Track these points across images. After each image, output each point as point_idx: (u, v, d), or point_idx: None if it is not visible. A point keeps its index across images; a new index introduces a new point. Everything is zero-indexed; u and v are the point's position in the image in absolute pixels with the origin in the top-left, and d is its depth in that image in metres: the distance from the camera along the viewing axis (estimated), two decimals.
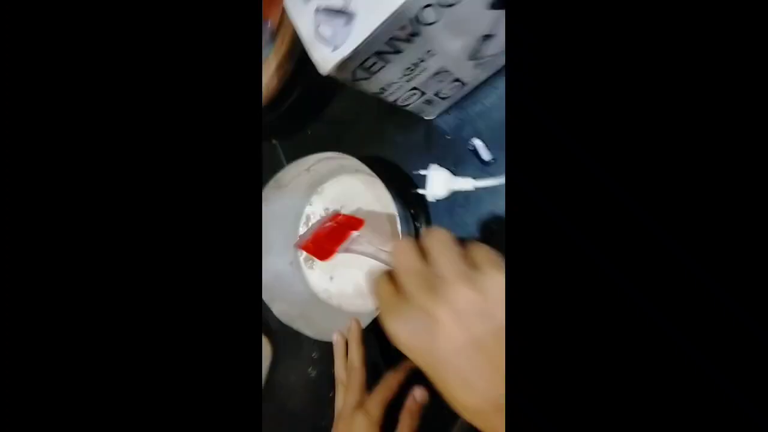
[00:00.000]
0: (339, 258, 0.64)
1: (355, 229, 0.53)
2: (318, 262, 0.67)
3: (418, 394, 0.47)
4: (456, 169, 0.56)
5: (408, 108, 0.54)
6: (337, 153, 0.58)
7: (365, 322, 0.54)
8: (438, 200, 0.57)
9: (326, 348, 0.58)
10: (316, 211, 0.67)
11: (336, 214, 0.59)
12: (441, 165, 0.58)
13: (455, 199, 0.57)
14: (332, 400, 0.64)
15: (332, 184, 0.66)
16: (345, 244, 0.52)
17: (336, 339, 0.54)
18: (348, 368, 0.50)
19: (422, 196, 0.58)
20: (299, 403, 0.65)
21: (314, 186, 0.67)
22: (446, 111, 0.58)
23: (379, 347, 0.61)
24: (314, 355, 0.67)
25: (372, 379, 0.50)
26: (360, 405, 0.46)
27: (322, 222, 0.58)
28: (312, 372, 0.66)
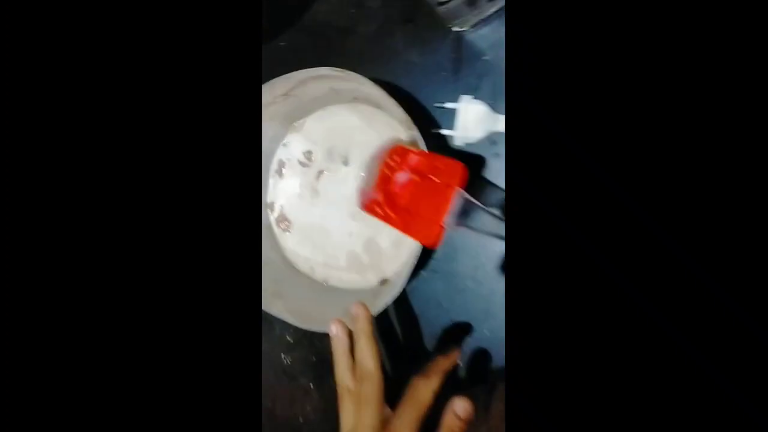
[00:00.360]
0: (321, 214, 0.49)
1: (457, 180, 0.34)
2: (295, 222, 0.51)
3: (461, 407, 0.34)
4: (496, 104, 0.41)
5: (441, 9, 0.37)
6: (331, 69, 0.41)
7: (371, 307, 0.40)
8: (469, 143, 0.43)
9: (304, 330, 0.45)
10: (292, 155, 0.50)
11: (397, 148, 0.38)
12: (476, 96, 0.42)
13: (492, 143, 0.42)
14: (312, 391, 0.52)
15: (317, 118, 0.49)
16: (452, 213, 0.33)
17: (335, 331, 0.39)
18: (359, 373, 0.36)
19: (445, 139, 0.43)
20: (271, 397, 0.54)
21: (291, 119, 0.49)
22: (485, 21, 0.42)
23: (383, 341, 0.47)
24: (288, 337, 0.53)
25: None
26: (384, 425, 0.34)
27: (379, 161, 0.37)
28: (286, 358, 0.54)
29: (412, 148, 0.37)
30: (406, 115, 0.38)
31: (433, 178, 0.35)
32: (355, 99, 0.45)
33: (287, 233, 0.51)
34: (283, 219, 0.51)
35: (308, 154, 0.49)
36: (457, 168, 0.35)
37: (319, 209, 0.49)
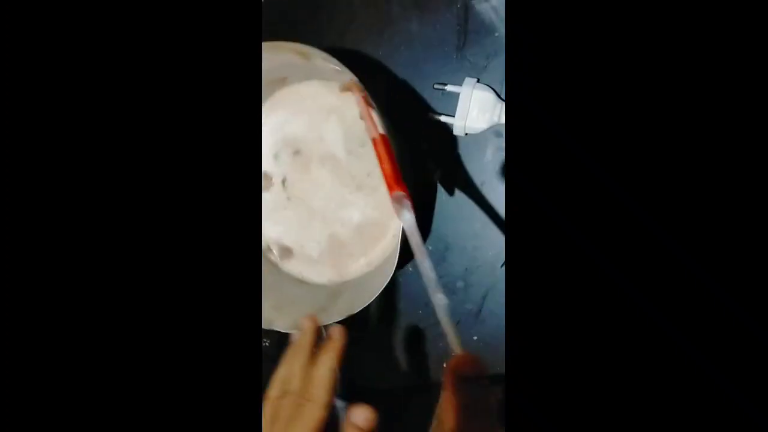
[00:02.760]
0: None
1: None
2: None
3: (360, 416, 0.30)
4: (504, 90, 0.36)
5: None
6: (292, 44, 0.33)
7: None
8: (469, 134, 0.38)
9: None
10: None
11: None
12: (482, 80, 0.37)
13: (498, 135, 0.37)
14: None
15: (281, 98, 0.42)
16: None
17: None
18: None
19: (445, 127, 0.38)
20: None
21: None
22: None
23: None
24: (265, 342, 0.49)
25: None
26: None
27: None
28: (265, 341, 0.48)
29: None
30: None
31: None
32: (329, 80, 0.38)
33: None
34: None
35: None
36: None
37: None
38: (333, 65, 0.33)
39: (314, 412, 0.31)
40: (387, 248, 0.41)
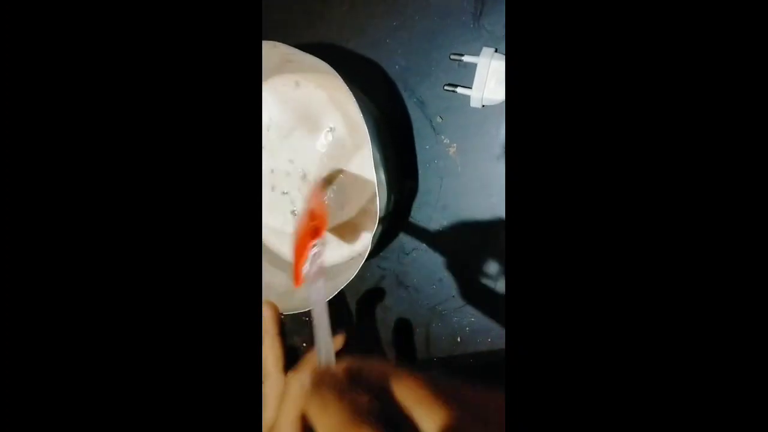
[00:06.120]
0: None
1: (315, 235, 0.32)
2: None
3: None
4: None
5: None
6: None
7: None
8: (486, 106, 0.37)
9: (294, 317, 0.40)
10: None
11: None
12: (500, 50, 0.36)
13: None
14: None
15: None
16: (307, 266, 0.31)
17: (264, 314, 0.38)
18: (263, 371, 0.36)
19: (459, 99, 0.37)
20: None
21: None
22: None
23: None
24: None
25: None
26: None
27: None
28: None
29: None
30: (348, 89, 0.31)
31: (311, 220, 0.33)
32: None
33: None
34: None
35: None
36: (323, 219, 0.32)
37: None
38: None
39: (269, 389, 0.35)
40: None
